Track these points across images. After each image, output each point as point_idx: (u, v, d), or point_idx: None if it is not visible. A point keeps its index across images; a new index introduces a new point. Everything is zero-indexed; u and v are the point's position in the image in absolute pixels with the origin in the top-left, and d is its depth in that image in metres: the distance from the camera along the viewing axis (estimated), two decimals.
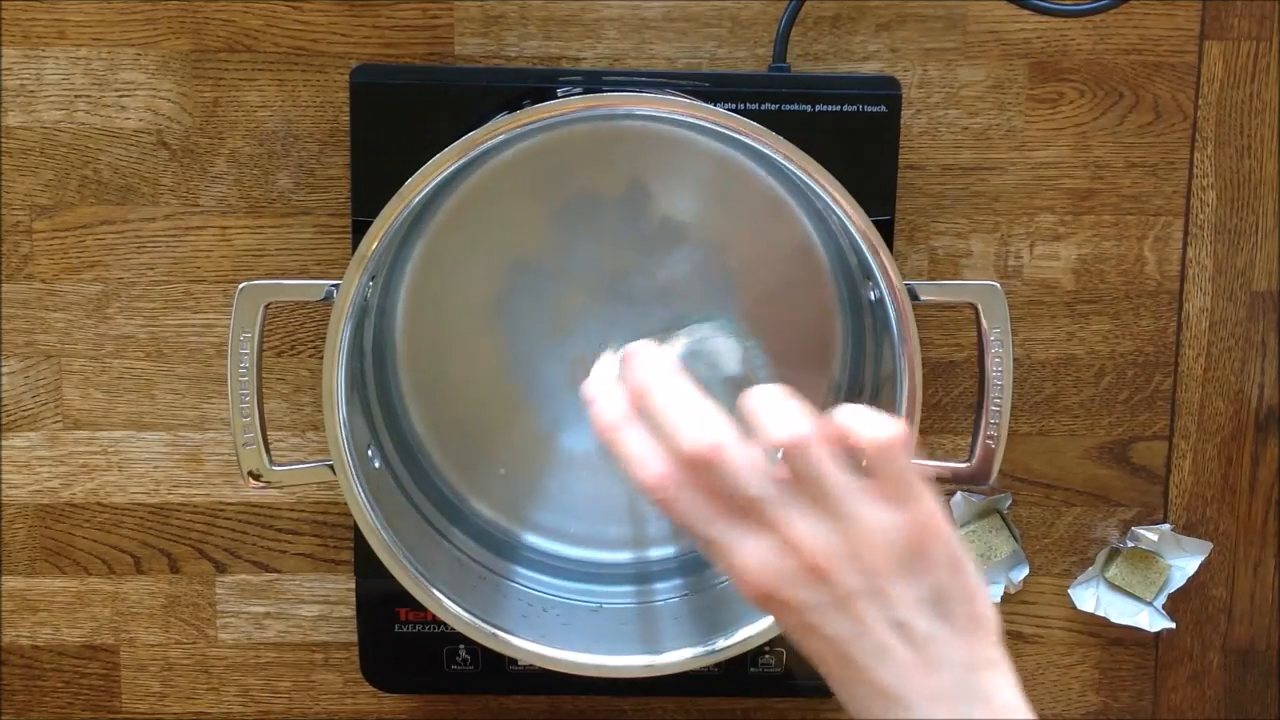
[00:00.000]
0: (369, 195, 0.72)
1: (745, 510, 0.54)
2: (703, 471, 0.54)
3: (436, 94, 0.74)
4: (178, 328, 0.82)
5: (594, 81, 0.76)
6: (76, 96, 0.79)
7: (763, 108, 0.74)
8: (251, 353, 0.70)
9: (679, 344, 0.68)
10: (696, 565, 0.80)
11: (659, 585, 0.81)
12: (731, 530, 0.55)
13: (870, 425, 0.54)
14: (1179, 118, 0.82)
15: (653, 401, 0.56)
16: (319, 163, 0.80)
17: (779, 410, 0.55)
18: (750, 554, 0.54)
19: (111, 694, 0.86)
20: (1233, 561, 0.86)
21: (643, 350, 0.58)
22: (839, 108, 0.75)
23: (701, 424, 0.55)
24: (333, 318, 0.69)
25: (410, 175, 0.68)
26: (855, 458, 0.55)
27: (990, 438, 0.72)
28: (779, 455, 0.54)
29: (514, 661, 0.78)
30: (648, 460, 0.55)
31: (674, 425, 0.55)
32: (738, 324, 0.70)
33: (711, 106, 0.70)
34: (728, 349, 0.68)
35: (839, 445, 0.54)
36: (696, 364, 0.67)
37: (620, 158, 0.77)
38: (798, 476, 0.54)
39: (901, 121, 0.76)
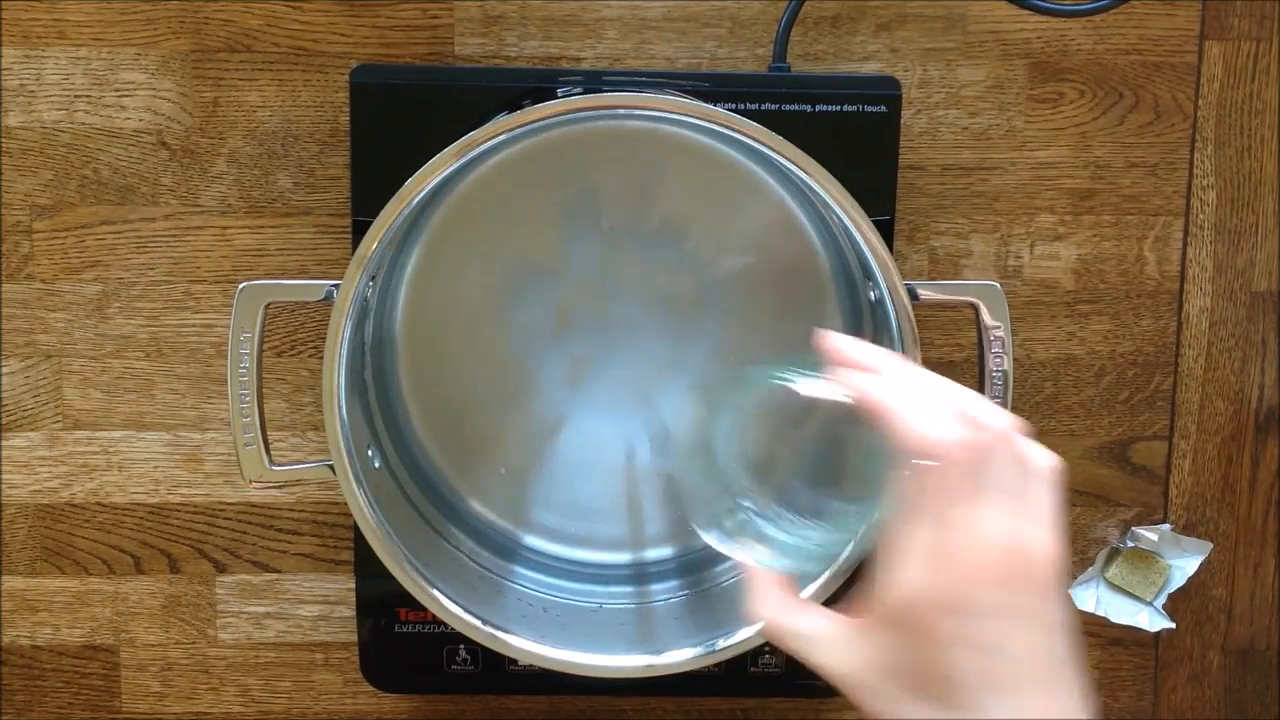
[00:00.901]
0: (369, 195, 0.72)
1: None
2: (967, 455, 0.53)
3: (436, 94, 0.74)
4: (178, 328, 0.82)
5: (594, 81, 0.76)
6: (76, 96, 0.79)
7: (763, 108, 0.74)
8: (251, 353, 0.70)
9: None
10: (695, 565, 0.80)
11: (658, 585, 0.81)
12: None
13: (1035, 452, 0.54)
14: (1179, 118, 0.82)
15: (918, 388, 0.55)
16: (319, 163, 0.80)
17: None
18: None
19: (111, 694, 0.86)
20: (1233, 561, 0.86)
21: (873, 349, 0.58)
22: (839, 108, 0.75)
23: (993, 413, 0.54)
24: (333, 318, 0.69)
25: (410, 175, 0.68)
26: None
27: None
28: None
29: (514, 661, 0.78)
30: (937, 428, 0.53)
31: (972, 410, 0.54)
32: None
33: (711, 106, 0.70)
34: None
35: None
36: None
37: (620, 157, 0.77)
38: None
39: (901, 121, 0.76)
